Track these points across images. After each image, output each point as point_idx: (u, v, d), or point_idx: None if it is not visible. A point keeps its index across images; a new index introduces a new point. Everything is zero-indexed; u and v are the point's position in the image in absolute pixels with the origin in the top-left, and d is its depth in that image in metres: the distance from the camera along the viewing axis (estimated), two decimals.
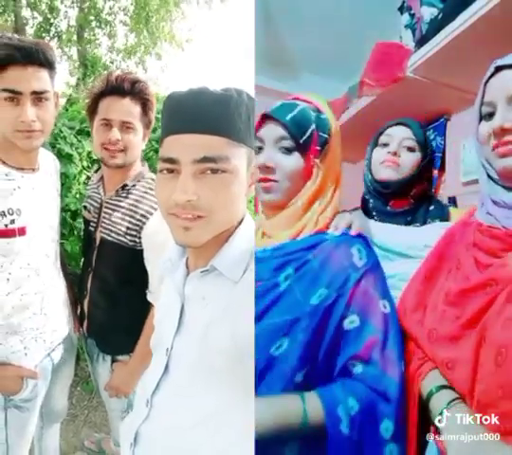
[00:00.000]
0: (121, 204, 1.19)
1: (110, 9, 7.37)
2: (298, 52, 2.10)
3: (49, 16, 6.99)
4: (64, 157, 1.81)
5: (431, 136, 1.75)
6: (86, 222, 1.31)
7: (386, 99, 1.50)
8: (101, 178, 1.28)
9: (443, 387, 0.69)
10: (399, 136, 1.13)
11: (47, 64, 1.01)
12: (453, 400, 0.66)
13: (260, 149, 0.86)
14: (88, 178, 1.86)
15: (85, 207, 1.31)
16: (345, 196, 0.92)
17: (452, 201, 1.47)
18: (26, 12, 6.85)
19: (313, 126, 0.84)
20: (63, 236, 1.27)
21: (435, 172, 1.46)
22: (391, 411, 0.68)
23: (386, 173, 1.11)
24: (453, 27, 1.16)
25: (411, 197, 1.12)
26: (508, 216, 0.70)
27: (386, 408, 0.68)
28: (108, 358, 1.29)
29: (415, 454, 0.71)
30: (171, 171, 0.65)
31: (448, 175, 1.55)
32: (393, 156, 1.11)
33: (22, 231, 1.03)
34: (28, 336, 1.09)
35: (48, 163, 1.21)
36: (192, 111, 0.64)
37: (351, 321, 0.74)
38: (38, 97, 1.00)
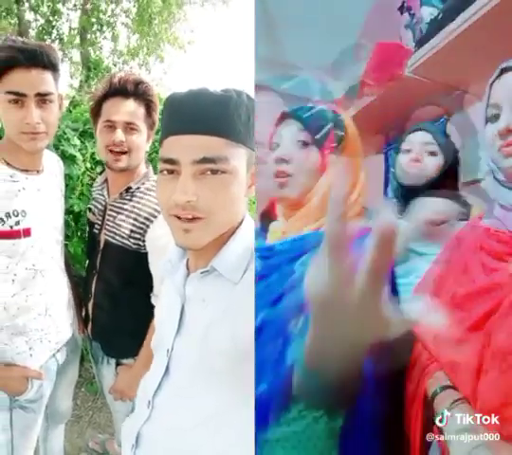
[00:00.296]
0: (125, 206, 1.19)
1: (112, 11, 7.39)
2: (298, 52, 2.11)
3: (51, 19, 7.01)
4: (68, 159, 1.81)
5: None
6: (91, 224, 1.31)
7: (386, 99, 1.50)
8: (106, 180, 1.28)
9: (448, 387, 0.69)
10: (420, 141, 1.17)
11: (51, 67, 1.01)
12: (457, 400, 0.66)
13: (277, 145, 0.87)
14: (92, 179, 1.86)
15: (90, 209, 1.32)
16: None
17: None
18: (28, 15, 6.88)
19: (330, 124, 0.86)
20: (66, 237, 1.28)
21: None
22: None
23: (411, 179, 1.15)
24: (453, 27, 1.16)
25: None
26: None
27: None
28: (113, 361, 1.29)
29: (419, 454, 0.71)
30: (171, 171, 0.65)
31: None
32: (417, 162, 1.15)
33: (27, 233, 1.04)
34: (34, 336, 1.10)
35: (53, 164, 1.21)
36: (191, 112, 0.64)
37: None
38: (42, 99, 1.00)
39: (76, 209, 1.80)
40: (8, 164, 1.04)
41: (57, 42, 6.96)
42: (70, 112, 2.11)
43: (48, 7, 6.89)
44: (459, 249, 0.81)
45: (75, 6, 7.13)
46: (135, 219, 1.15)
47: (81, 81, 6.62)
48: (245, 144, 0.67)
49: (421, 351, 0.77)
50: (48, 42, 6.71)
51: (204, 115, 0.64)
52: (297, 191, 0.84)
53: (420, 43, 1.41)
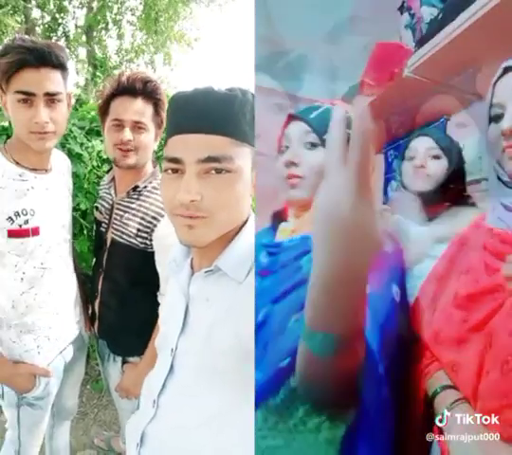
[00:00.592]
0: (132, 205, 1.19)
1: (118, 9, 7.39)
2: (298, 52, 2.10)
3: (57, 16, 7.02)
4: (74, 157, 1.81)
5: None
6: (98, 223, 1.31)
7: (386, 98, 1.50)
8: (113, 179, 1.28)
9: (448, 387, 0.69)
10: (422, 147, 1.17)
11: (60, 66, 1.02)
12: (457, 400, 0.66)
13: (286, 148, 0.86)
14: (98, 178, 1.86)
15: (97, 207, 1.32)
16: None
17: None
18: (35, 13, 6.89)
19: None
20: (73, 236, 1.28)
21: None
22: None
23: (418, 186, 1.16)
24: (453, 27, 1.16)
25: (446, 201, 1.15)
26: None
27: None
28: (119, 359, 1.29)
29: (419, 453, 0.71)
30: (175, 170, 0.65)
31: None
32: (421, 169, 1.15)
33: (35, 231, 1.04)
34: (42, 334, 1.11)
35: (61, 163, 1.22)
36: (196, 111, 0.64)
37: None
38: (51, 98, 1.01)
39: (82, 207, 1.80)
40: (17, 163, 1.05)
41: (63, 39, 6.98)
42: (76, 110, 2.12)
43: (55, 4, 6.90)
44: (462, 249, 0.81)
45: (81, 3, 7.14)
46: (142, 218, 1.16)
47: (86, 80, 6.64)
48: (249, 143, 0.67)
49: (422, 350, 0.77)
50: (54, 39, 6.73)
51: (209, 114, 0.64)
52: (308, 192, 0.83)
53: (420, 43, 1.40)
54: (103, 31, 7.31)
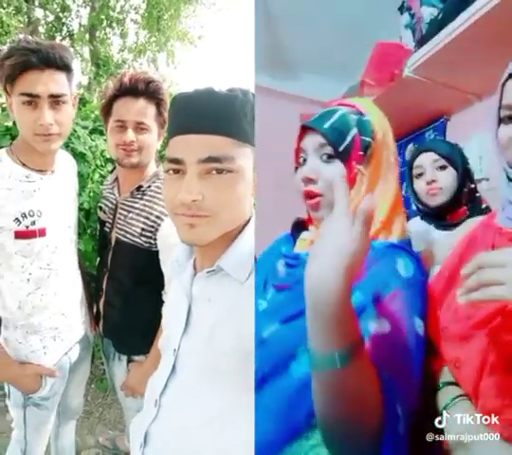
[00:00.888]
0: (136, 205, 1.19)
1: (121, 7, 7.38)
2: (298, 52, 2.10)
3: (61, 15, 7.02)
4: (78, 156, 1.82)
5: (431, 136, 1.75)
6: (102, 222, 1.31)
7: (386, 98, 1.50)
8: (116, 179, 1.28)
9: (450, 383, 0.69)
10: (428, 162, 1.20)
11: (65, 67, 1.02)
12: (457, 397, 0.66)
13: (304, 161, 0.84)
14: (102, 177, 1.87)
15: (101, 207, 1.32)
16: None
17: None
18: (38, 12, 6.88)
19: (354, 130, 0.80)
20: (77, 235, 1.28)
21: None
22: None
23: (434, 200, 1.19)
24: (453, 27, 1.16)
25: (465, 205, 1.18)
26: None
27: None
28: (124, 358, 1.29)
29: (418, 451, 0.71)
30: (176, 171, 0.65)
31: None
32: (433, 184, 1.18)
33: (42, 232, 1.05)
34: (48, 335, 1.11)
35: (66, 164, 1.22)
36: (197, 111, 0.64)
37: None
38: (55, 100, 1.01)
39: (86, 206, 1.81)
40: (23, 164, 1.05)
41: (67, 39, 6.97)
42: (80, 109, 2.12)
43: (58, 3, 6.90)
44: (471, 247, 0.81)
45: (84, 2, 7.14)
46: (146, 217, 1.16)
47: (89, 79, 6.63)
48: (250, 143, 0.67)
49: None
50: (59, 39, 6.73)
51: (210, 114, 0.64)
52: (329, 210, 0.81)
53: (420, 43, 1.41)
54: (107, 29, 7.29)
